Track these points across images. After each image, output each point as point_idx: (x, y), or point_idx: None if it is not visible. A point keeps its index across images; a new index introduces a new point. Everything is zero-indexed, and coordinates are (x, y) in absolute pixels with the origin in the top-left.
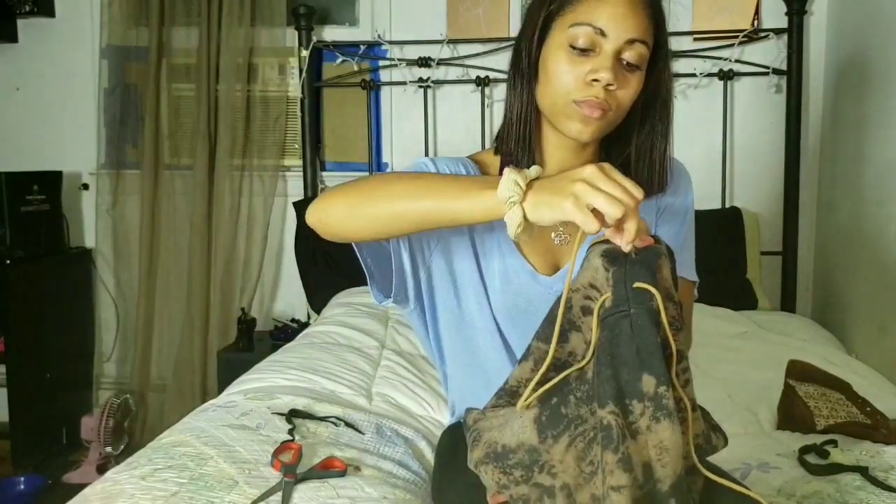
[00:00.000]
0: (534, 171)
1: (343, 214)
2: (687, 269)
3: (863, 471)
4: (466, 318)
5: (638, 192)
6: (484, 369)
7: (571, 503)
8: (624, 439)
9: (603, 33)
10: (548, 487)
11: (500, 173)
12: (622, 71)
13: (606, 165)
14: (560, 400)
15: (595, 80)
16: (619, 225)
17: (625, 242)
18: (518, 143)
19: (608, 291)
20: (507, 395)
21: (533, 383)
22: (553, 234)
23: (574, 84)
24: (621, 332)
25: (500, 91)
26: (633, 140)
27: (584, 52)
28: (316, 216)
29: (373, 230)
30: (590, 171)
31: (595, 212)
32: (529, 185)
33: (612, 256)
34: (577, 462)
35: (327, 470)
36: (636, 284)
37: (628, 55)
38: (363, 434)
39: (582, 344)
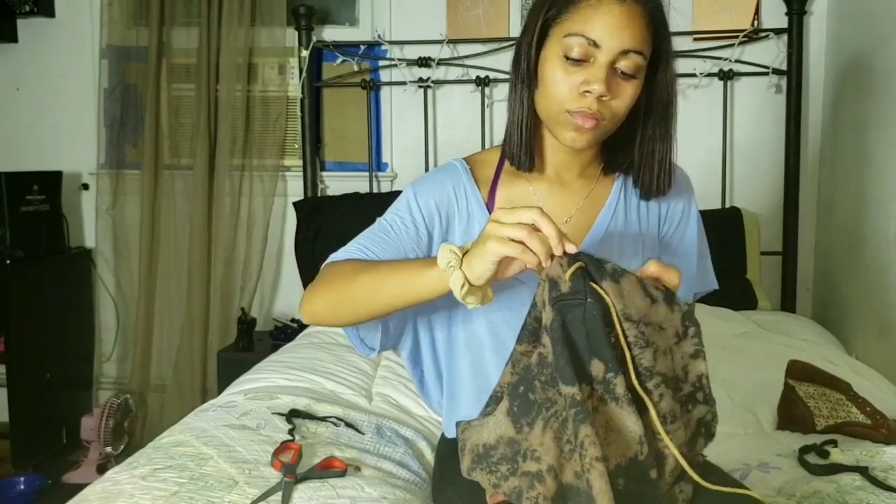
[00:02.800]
0: (470, 243)
1: (329, 315)
2: (709, 277)
3: (863, 471)
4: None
5: (534, 209)
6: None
7: (559, 484)
8: (593, 412)
9: (596, 45)
10: (535, 473)
11: (499, 169)
12: (616, 80)
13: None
14: (527, 387)
15: (588, 92)
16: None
17: (554, 245)
18: (519, 145)
19: (565, 278)
20: (494, 403)
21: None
22: None
23: (568, 94)
24: (574, 318)
25: (499, 91)
26: (636, 145)
27: (578, 62)
28: (308, 317)
29: (359, 321)
30: (493, 214)
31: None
32: (466, 252)
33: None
34: (556, 442)
35: (327, 470)
36: (593, 285)
37: (623, 65)
38: (363, 434)
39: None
